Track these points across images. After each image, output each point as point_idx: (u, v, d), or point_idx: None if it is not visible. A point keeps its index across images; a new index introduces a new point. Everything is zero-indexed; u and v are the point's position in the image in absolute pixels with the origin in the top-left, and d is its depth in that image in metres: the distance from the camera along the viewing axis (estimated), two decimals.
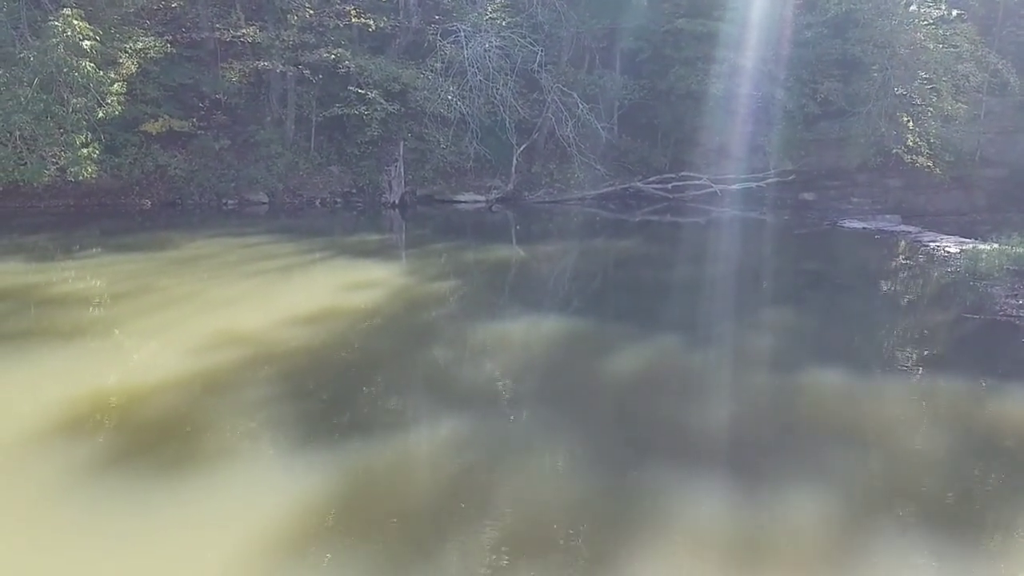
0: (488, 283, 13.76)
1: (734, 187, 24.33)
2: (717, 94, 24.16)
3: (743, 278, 14.66)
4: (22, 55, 16.16)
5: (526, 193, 23.69)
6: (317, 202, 21.70)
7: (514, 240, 19.11)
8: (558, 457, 6.31)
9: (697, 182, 24.19)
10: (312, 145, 22.30)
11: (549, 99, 23.33)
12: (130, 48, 19.01)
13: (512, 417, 7.20)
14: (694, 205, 23.35)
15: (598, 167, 24.17)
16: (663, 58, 24.55)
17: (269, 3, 22.30)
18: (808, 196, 24.09)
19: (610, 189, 24.26)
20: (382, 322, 10.41)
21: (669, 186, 24.19)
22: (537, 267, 15.77)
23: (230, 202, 20.89)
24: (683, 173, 24.29)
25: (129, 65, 18.87)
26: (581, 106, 23.20)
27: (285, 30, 21.26)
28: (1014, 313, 10.84)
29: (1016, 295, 11.83)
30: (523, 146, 23.39)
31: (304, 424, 6.78)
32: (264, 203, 21.15)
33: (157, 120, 20.28)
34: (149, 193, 20.36)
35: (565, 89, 23.40)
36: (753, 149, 25.10)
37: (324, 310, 10.49)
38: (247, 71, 21.45)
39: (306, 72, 21.16)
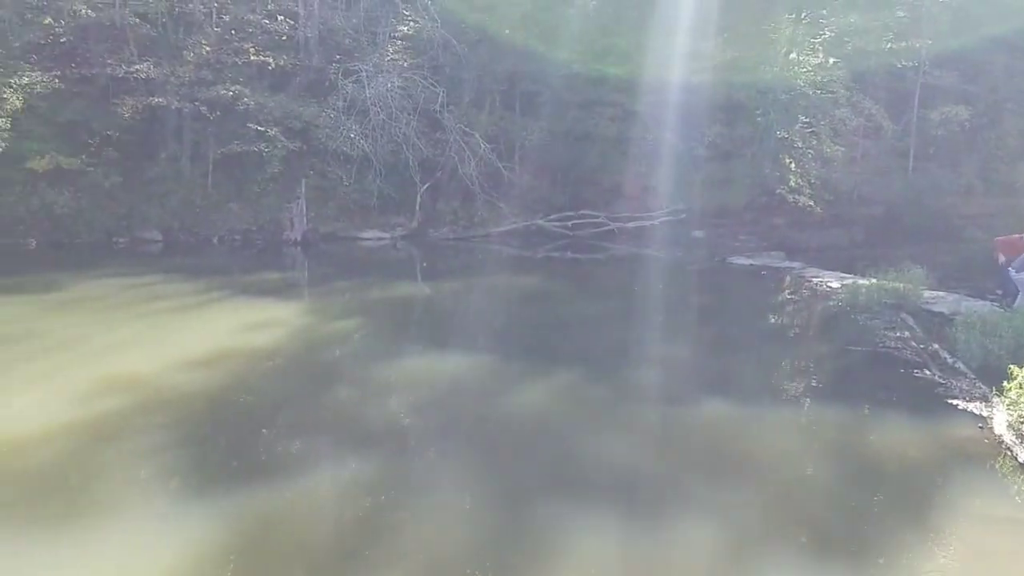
0: (392, 321, 13.72)
1: (630, 225, 25.17)
2: (611, 136, 25.03)
3: (640, 313, 15.14)
4: None
5: (431, 230, 23.82)
6: (215, 240, 21.17)
7: (419, 277, 19.14)
8: (462, 496, 6.36)
9: (595, 220, 24.91)
10: (209, 182, 21.78)
11: (451, 139, 23.63)
12: (15, 83, 18.26)
13: (416, 457, 7.22)
14: (593, 242, 23.99)
15: (501, 205, 24.58)
16: (560, 101, 25.29)
17: (164, 39, 21.85)
18: (699, 234, 25.07)
19: (513, 227, 24.65)
20: (283, 363, 10.24)
21: (569, 224, 24.81)
22: (442, 304, 15.84)
23: (121, 241, 20.16)
24: (582, 211, 24.98)
25: (14, 100, 18.12)
26: (483, 146, 23.60)
27: (181, 66, 20.85)
28: (892, 345, 11.52)
29: (894, 327, 12.59)
30: (427, 184, 23.57)
31: (200, 472, 6.60)
32: (158, 241, 20.50)
33: (44, 157, 19.40)
34: (34, 232, 19.42)
35: (467, 129, 23.77)
36: (646, 189, 26.02)
37: (221, 352, 10.24)
38: (140, 107, 20.84)
39: (203, 109, 20.75)
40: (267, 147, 21.06)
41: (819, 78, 25.82)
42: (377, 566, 5.17)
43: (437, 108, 23.50)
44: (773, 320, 15.16)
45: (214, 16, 22.70)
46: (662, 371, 10.66)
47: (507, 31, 24.30)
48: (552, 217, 25.02)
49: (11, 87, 18.12)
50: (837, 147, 26.61)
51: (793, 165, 25.74)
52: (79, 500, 6.03)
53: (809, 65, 26.34)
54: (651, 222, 25.34)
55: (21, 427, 7.44)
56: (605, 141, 24.99)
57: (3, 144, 17.21)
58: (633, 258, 22.53)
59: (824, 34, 26.84)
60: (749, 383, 10.28)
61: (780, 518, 6.11)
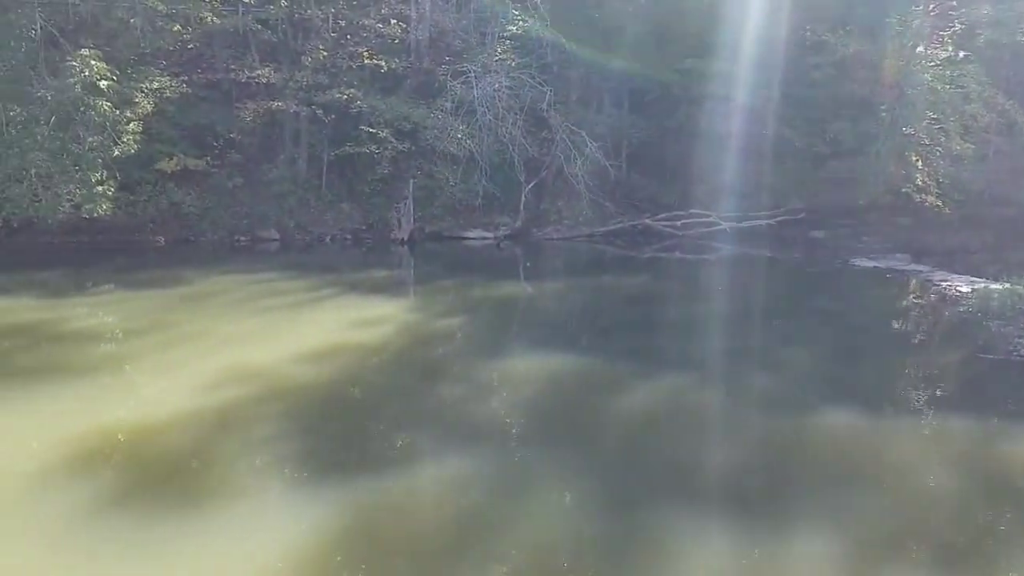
0: (496, 320, 13.77)
1: (744, 224, 24.38)
2: (726, 133, 24.35)
3: (753, 316, 14.62)
4: (39, 94, 16.44)
5: (534, 229, 23.79)
6: (327, 239, 21.83)
7: (522, 276, 19.16)
8: (564, 496, 6.27)
9: (706, 219, 24.23)
10: (323, 183, 22.49)
11: (558, 137, 23.52)
12: (146, 88, 19.30)
13: (518, 455, 7.18)
14: (704, 242, 23.37)
15: (607, 204, 24.28)
16: (672, 97, 24.79)
17: (283, 45, 22.69)
18: (818, 234, 24.09)
19: (619, 226, 24.31)
20: (390, 358, 10.42)
21: (678, 223, 24.20)
22: (545, 304, 15.78)
23: (242, 239, 21.04)
24: (692, 210, 24.33)
25: (145, 104, 19.14)
26: (590, 144, 23.37)
27: (299, 71, 21.59)
28: None
29: None
30: (532, 183, 23.54)
31: (311, 461, 6.77)
32: (275, 240, 21.31)
33: (172, 159, 20.50)
34: (163, 230, 20.53)
35: (574, 128, 23.59)
36: (762, 187, 25.20)
37: (332, 346, 10.52)
38: (261, 111, 21.72)
39: (319, 112, 21.43)
40: (378, 148, 21.54)
41: (948, 72, 24.37)
42: (479, 561, 5.15)
43: (544, 107, 23.44)
44: (898, 325, 14.39)
45: (330, 21, 23.39)
46: (779, 376, 10.24)
47: (618, 27, 23.97)
48: (660, 216, 24.51)
49: (143, 92, 19.16)
50: (967, 144, 24.99)
51: (920, 163, 24.37)
52: (201, 483, 6.29)
53: (937, 59, 24.92)
54: (767, 222, 24.50)
55: (151, 414, 7.84)
56: (718, 137, 24.28)
57: (136, 146, 18.21)
58: (747, 259, 21.81)
59: (954, 26, 25.31)
60: (871, 390, 9.81)
61: (900, 530, 5.84)
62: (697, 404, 8.96)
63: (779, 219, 24.59)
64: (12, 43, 16.27)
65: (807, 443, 7.79)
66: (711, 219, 24.22)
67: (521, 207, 23.43)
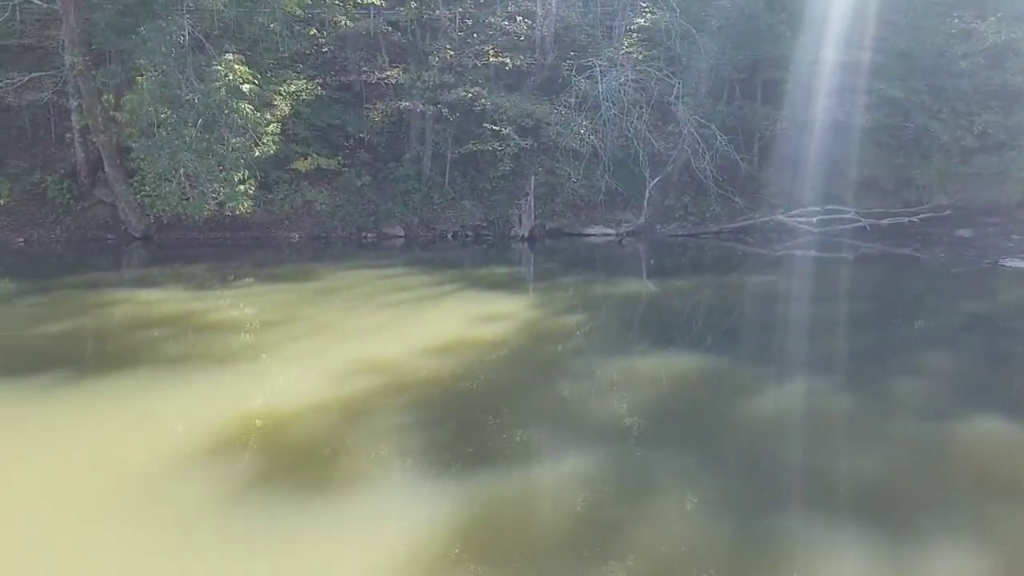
0: (616, 318, 13.57)
1: (884, 222, 23.05)
2: (865, 125, 23.11)
3: (894, 318, 13.76)
4: (188, 97, 17.44)
5: (658, 226, 23.31)
6: (449, 235, 22.18)
7: (644, 274, 18.83)
8: (686, 499, 6.06)
9: (845, 215, 23.01)
10: (446, 180, 22.86)
11: (685, 131, 22.91)
12: (284, 91, 20.20)
13: (639, 455, 7.01)
14: (841, 240, 22.22)
15: (736, 200, 23.48)
16: (808, 88, 23.67)
17: (412, 46, 23.22)
18: (965, 233, 22.45)
19: (749, 222, 23.44)
20: (510, 354, 10.43)
21: (814, 219, 23.05)
22: (668, 302, 15.42)
23: (369, 235, 21.70)
24: (829, 206, 23.15)
25: (283, 107, 20.04)
26: (719, 138, 22.64)
27: (426, 71, 22.02)
28: None
29: None
30: (656, 179, 23.05)
31: (432, 452, 6.85)
32: (400, 236, 21.85)
33: (306, 158, 21.40)
34: (297, 227, 21.46)
35: (703, 121, 22.91)
36: (904, 182, 23.80)
37: (454, 341, 10.64)
38: (389, 111, 22.35)
39: (444, 111, 21.77)
40: (500, 146, 21.70)
41: None
42: (596, 562, 5.05)
43: (671, 100, 22.90)
44: None
45: (457, 21, 23.74)
46: (922, 382, 9.59)
47: (749, 15, 23.13)
48: (794, 212, 23.44)
49: (281, 94, 20.07)
50: None
51: None
52: (329, 470, 6.49)
53: None
54: (909, 219, 23.07)
55: (284, 402, 8.20)
56: (857, 131, 23.06)
57: (274, 146, 19.06)
58: (887, 258, 20.55)
59: None
60: (1022, 398, 9.02)
61: None
62: (830, 408, 8.49)
63: (923, 216, 23.14)
64: (163, 48, 17.27)
65: (950, 452, 7.26)
66: (850, 215, 22.98)
67: (645, 203, 22.99)
